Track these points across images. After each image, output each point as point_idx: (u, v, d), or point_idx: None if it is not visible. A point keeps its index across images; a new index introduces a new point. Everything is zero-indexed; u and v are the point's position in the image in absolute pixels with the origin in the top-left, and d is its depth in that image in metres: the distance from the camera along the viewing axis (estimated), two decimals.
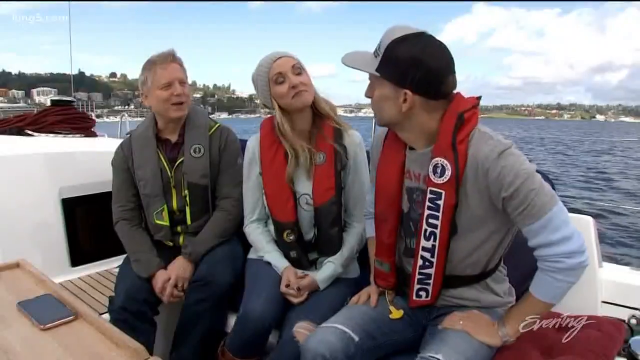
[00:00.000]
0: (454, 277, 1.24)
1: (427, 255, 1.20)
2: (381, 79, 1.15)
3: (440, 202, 1.14)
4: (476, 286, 1.28)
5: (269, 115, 1.72)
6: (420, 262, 1.21)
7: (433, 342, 1.20)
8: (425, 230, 1.18)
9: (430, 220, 1.17)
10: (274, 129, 1.61)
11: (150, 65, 1.70)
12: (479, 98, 1.19)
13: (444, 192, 1.14)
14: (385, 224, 1.31)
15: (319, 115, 1.60)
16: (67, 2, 4.15)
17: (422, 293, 1.25)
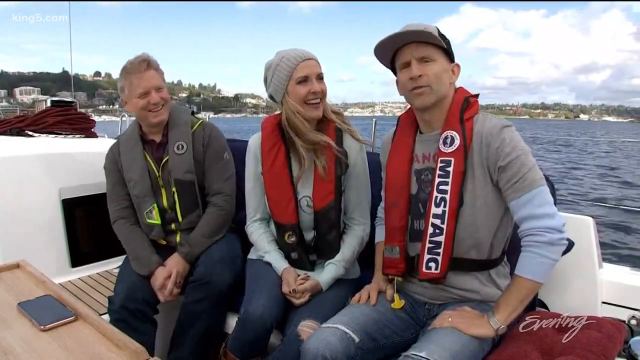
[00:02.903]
0: (460, 260, 1.27)
1: (437, 222, 1.25)
2: (439, 53, 1.26)
3: (450, 169, 1.23)
4: (479, 277, 1.30)
5: (275, 114, 1.71)
6: (430, 230, 1.25)
7: (420, 339, 1.22)
8: (436, 197, 1.25)
9: (441, 187, 1.24)
10: (275, 129, 1.61)
11: (126, 74, 1.72)
12: (477, 95, 1.31)
13: (453, 159, 1.23)
14: (396, 208, 1.36)
15: (323, 119, 1.60)
16: (67, 2, 4.15)
17: (432, 264, 1.27)
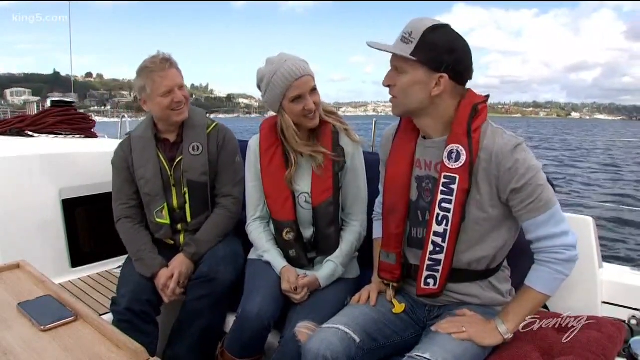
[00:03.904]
0: (459, 271, 1.26)
1: (438, 240, 1.22)
2: (414, 64, 1.17)
3: (454, 187, 1.18)
4: (479, 283, 1.29)
5: (269, 116, 1.73)
6: (430, 247, 1.23)
7: (423, 341, 1.22)
8: (438, 214, 1.21)
9: (443, 205, 1.19)
10: (272, 130, 1.63)
11: (148, 72, 1.70)
12: (487, 96, 1.25)
13: (457, 177, 1.18)
14: (394, 214, 1.32)
15: (319, 123, 1.60)
16: (67, 2, 4.15)
17: (430, 281, 1.26)
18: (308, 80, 1.52)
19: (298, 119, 1.54)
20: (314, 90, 1.54)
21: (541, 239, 1.17)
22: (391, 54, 1.21)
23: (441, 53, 1.15)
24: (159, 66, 1.69)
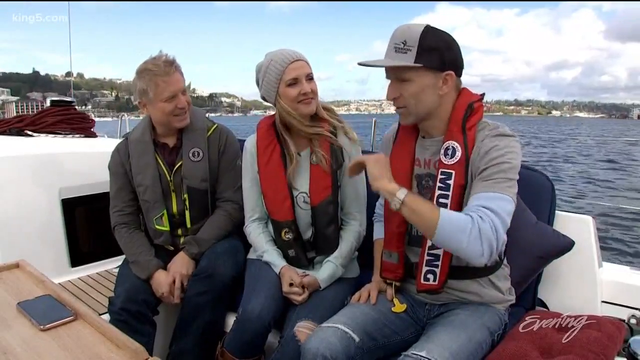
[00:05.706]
0: (459, 268, 1.26)
1: None
2: (420, 71, 1.18)
3: (451, 182, 1.19)
4: (479, 281, 1.30)
5: (268, 114, 1.73)
6: (429, 242, 1.23)
7: (421, 339, 1.22)
8: None
9: (441, 200, 1.20)
10: (270, 129, 1.62)
11: (151, 75, 1.64)
12: (482, 94, 1.26)
13: (453, 172, 1.19)
14: (396, 213, 1.30)
15: (316, 118, 1.61)
16: (67, 1, 4.15)
17: (430, 276, 1.26)
18: (303, 65, 1.54)
19: (294, 105, 1.53)
20: (310, 78, 1.55)
21: (479, 204, 1.10)
22: (387, 68, 1.22)
23: (442, 52, 1.18)
24: (163, 70, 1.64)
